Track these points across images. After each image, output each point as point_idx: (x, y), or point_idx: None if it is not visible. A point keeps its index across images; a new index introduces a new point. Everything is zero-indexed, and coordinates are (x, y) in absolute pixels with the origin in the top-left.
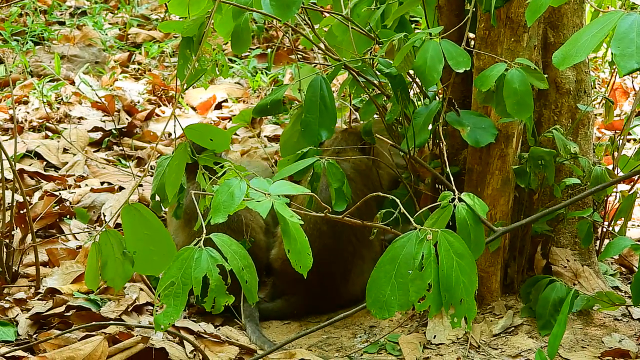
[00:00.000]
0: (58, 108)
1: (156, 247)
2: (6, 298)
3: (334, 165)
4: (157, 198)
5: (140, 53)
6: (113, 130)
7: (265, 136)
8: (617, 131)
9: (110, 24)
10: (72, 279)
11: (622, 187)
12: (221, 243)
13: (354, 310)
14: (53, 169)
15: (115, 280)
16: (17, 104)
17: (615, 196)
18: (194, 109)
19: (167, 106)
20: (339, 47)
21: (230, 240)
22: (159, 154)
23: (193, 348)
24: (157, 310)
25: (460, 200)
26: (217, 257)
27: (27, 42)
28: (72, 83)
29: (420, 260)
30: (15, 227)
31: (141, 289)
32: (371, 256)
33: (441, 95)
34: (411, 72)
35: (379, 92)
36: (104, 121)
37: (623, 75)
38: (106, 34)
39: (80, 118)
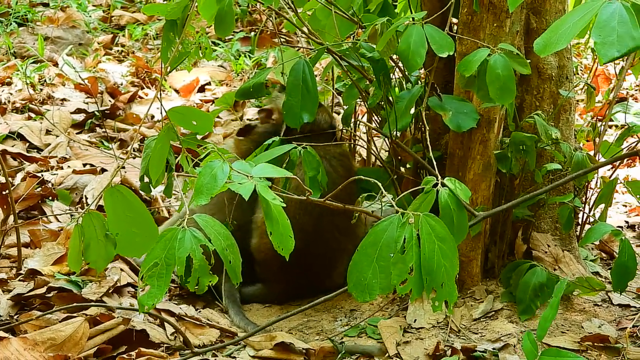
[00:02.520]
0: (41, 89)
1: (138, 229)
2: None
3: (309, 153)
4: (147, 179)
5: (123, 35)
6: (96, 112)
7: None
8: (598, 117)
9: (94, 5)
10: (53, 261)
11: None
12: (204, 224)
13: (335, 294)
14: (36, 151)
15: (98, 262)
16: (0, 85)
17: (596, 182)
18: (177, 91)
19: (150, 88)
20: (322, 31)
21: (213, 221)
22: (141, 137)
23: (174, 330)
24: (140, 292)
25: (443, 185)
26: (201, 238)
27: (10, 23)
28: (56, 65)
29: (402, 244)
30: None
31: (122, 270)
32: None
33: (423, 80)
34: (393, 56)
35: (362, 76)
36: (87, 103)
37: (604, 64)
38: (90, 16)
39: (63, 100)
